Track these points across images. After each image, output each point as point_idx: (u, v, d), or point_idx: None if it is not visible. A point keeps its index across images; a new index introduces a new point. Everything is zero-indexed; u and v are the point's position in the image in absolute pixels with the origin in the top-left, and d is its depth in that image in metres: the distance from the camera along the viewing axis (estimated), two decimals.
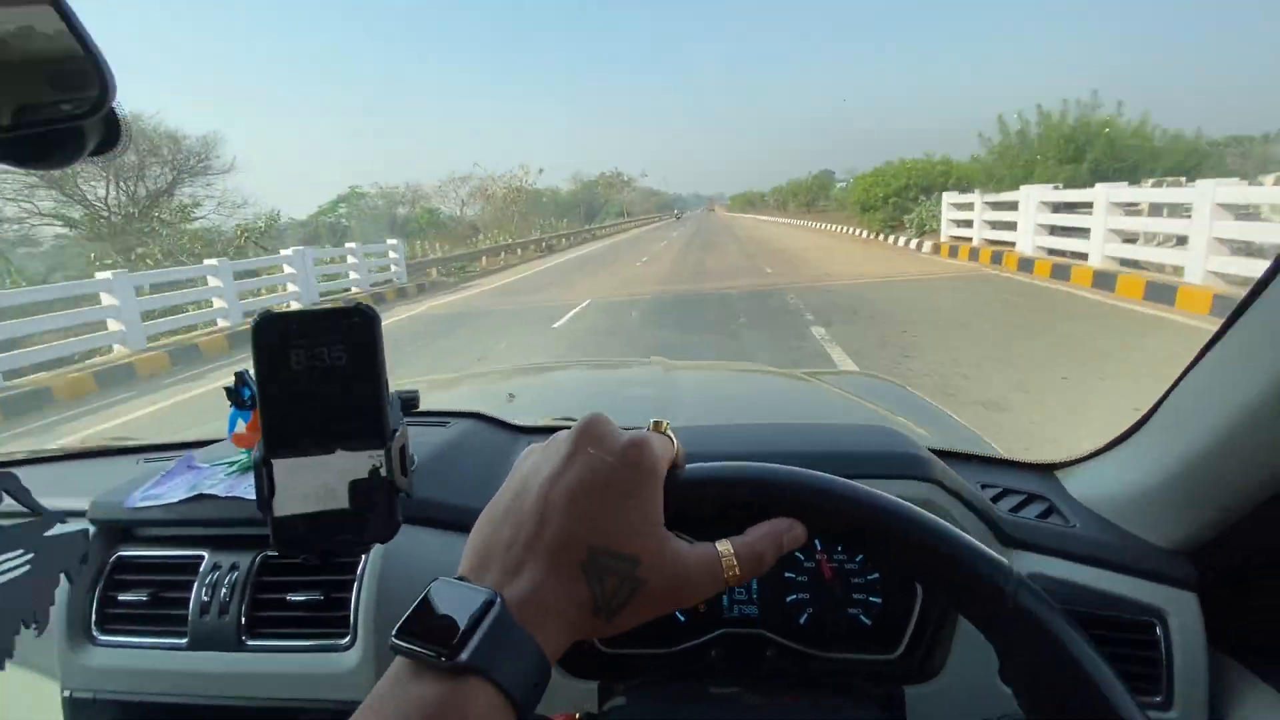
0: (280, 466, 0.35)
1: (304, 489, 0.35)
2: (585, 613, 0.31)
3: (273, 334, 0.34)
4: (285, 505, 0.35)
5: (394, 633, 0.29)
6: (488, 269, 18.87)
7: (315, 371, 0.35)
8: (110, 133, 0.37)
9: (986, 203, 12.33)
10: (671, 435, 0.37)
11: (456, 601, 0.30)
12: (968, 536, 0.34)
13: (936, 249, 13.79)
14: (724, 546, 0.34)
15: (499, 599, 0.29)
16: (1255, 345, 0.53)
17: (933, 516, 0.35)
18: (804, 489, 0.36)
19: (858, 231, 21.40)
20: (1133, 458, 0.68)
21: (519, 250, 23.44)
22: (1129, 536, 0.65)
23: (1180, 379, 0.62)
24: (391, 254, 15.07)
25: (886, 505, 0.35)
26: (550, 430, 0.91)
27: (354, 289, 13.31)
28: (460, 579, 0.31)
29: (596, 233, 40.91)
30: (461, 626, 0.28)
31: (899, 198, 18.47)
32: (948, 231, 14.19)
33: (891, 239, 17.40)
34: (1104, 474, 0.72)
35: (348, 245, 14.35)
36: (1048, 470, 0.79)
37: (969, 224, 12.97)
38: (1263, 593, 0.61)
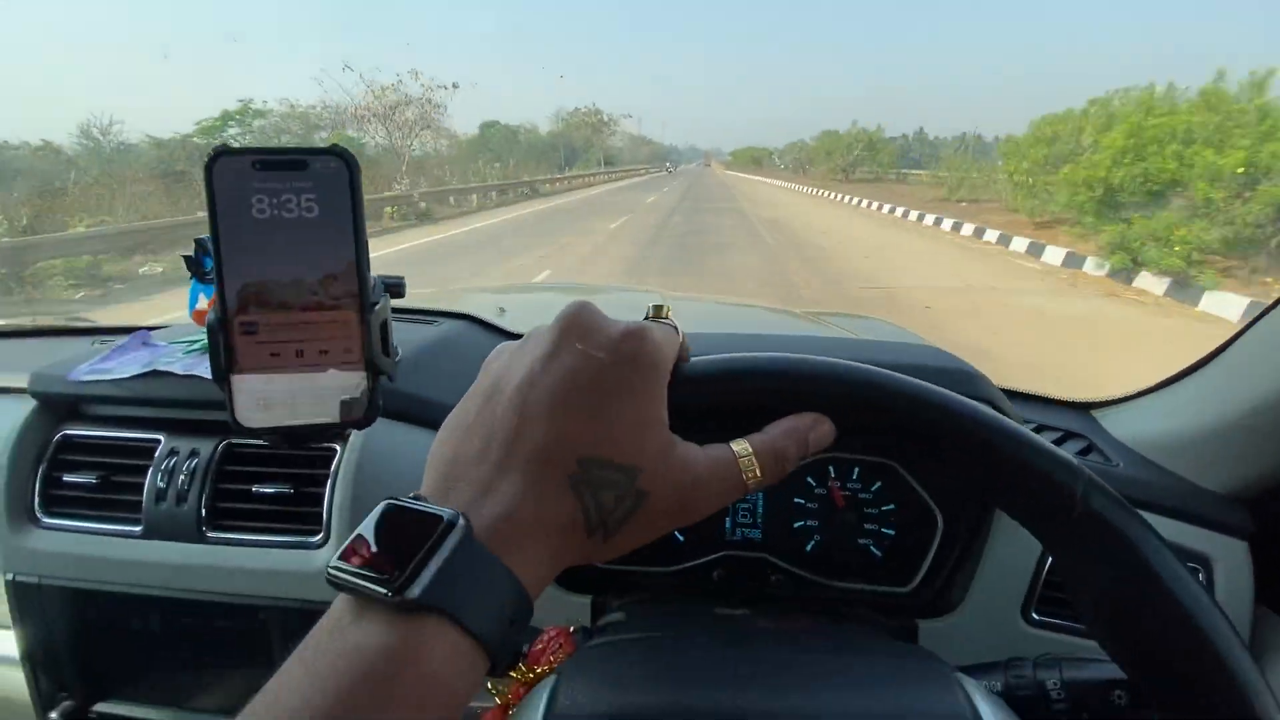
0: (240, 327, 0.30)
1: (268, 355, 0.31)
2: (576, 534, 0.26)
3: (229, 174, 0.29)
4: (247, 369, 0.30)
5: (330, 563, 0.23)
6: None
7: (282, 222, 0.30)
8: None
9: None
10: (675, 324, 0.31)
11: (411, 525, 0.24)
12: (1026, 429, 0.30)
13: None
14: (740, 446, 0.29)
15: (462, 519, 0.24)
16: None
17: (985, 407, 0.30)
18: (845, 378, 0.30)
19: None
20: (1185, 400, 0.64)
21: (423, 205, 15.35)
22: (1176, 478, 0.61)
23: (1248, 327, 0.58)
24: None
25: (938, 395, 0.30)
26: None
27: None
28: (417, 498, 0.26)
29: (544, 186, 27.99)
30: (415, 555, 0.23)
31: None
32: None
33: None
34: (1148, 415, 0.68)
35: None
36: (1084, 409, 0.75)
37: None
38: None
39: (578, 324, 0.28)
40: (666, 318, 0.31)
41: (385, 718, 0.21)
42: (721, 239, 10.49)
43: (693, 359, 0.32)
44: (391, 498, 0.25)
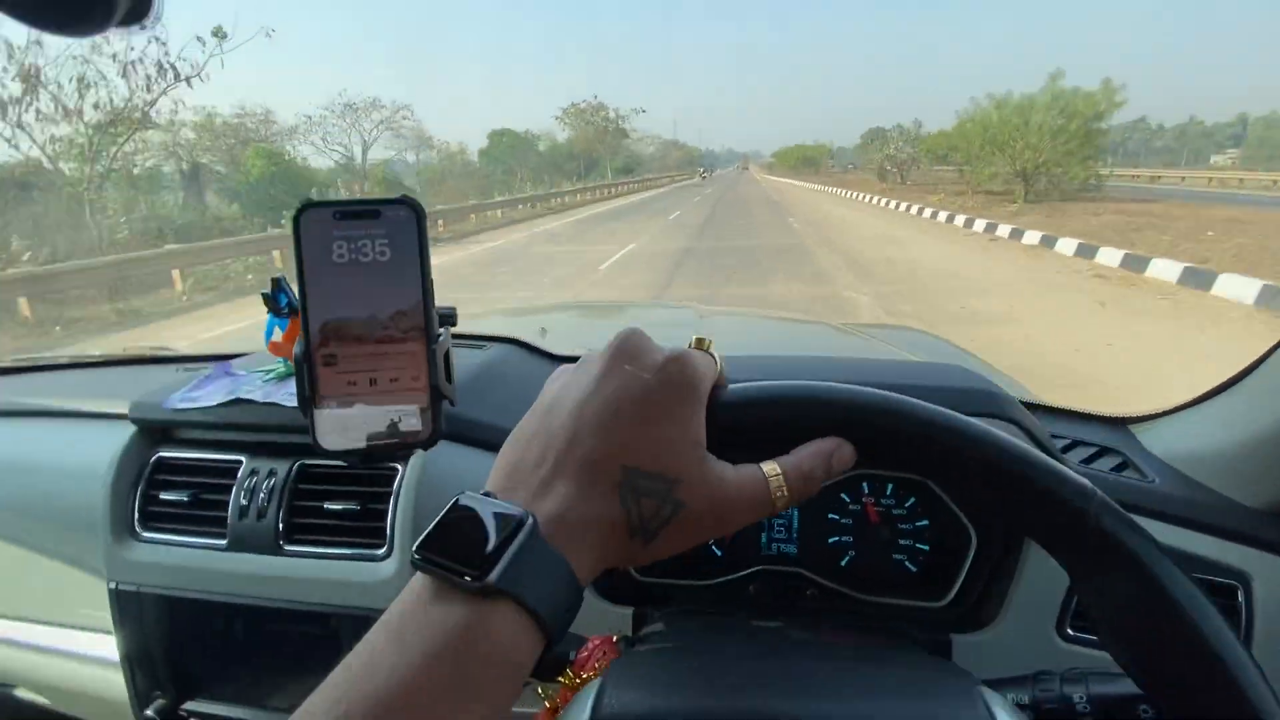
0: (323, 360, 0.33)
1: (347, 386, 0.34)
2: (620, 535, 0.29)
3: (313, 224, 0.33)
4: (328, 411, 0.34)
5: (415, 548, 0.27)
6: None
7: (358, 265, 0.33)
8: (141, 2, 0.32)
9: None
10: (715, 354, 0.34)
11: (484, 518, 0.27)
12: (1039, 452, 0.31)
13: None
14: (770, 467, 0.32)
15: (531, 517, 0.27)
16: None
17: (1000, 432, 0.32)
18: (863, 406, 0.33)
19: None
20: (1224, 415, 0.63)
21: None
22: (1214, 495, 0.61)
23: None
24: None
25: (950, 420, 0.32)
26: None
27: None
28: (487, 495, 0.29)
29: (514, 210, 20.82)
30: (491, 544, 0.26)
31: None
32: None
33: None
34: (1186, 430, 0.67)
35: None
36: (1121, 424, 0.74)
37: None
38: None
39: (628, 348, 0.32)
40: (708, 349, 0.35)
41: (463, 680, 0.24)
42: None
43: (730, 386, 0.35)
44: (462, 493, 0.29)
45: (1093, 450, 0.69)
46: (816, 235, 11.58)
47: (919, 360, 0.88)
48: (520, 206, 22.01)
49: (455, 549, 0.27)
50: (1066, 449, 0.70)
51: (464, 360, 0.86)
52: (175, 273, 8.47)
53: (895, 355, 1.10)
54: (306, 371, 0.33)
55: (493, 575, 0.25)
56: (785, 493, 0.31)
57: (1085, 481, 0.31)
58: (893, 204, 18.17)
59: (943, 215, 13.66)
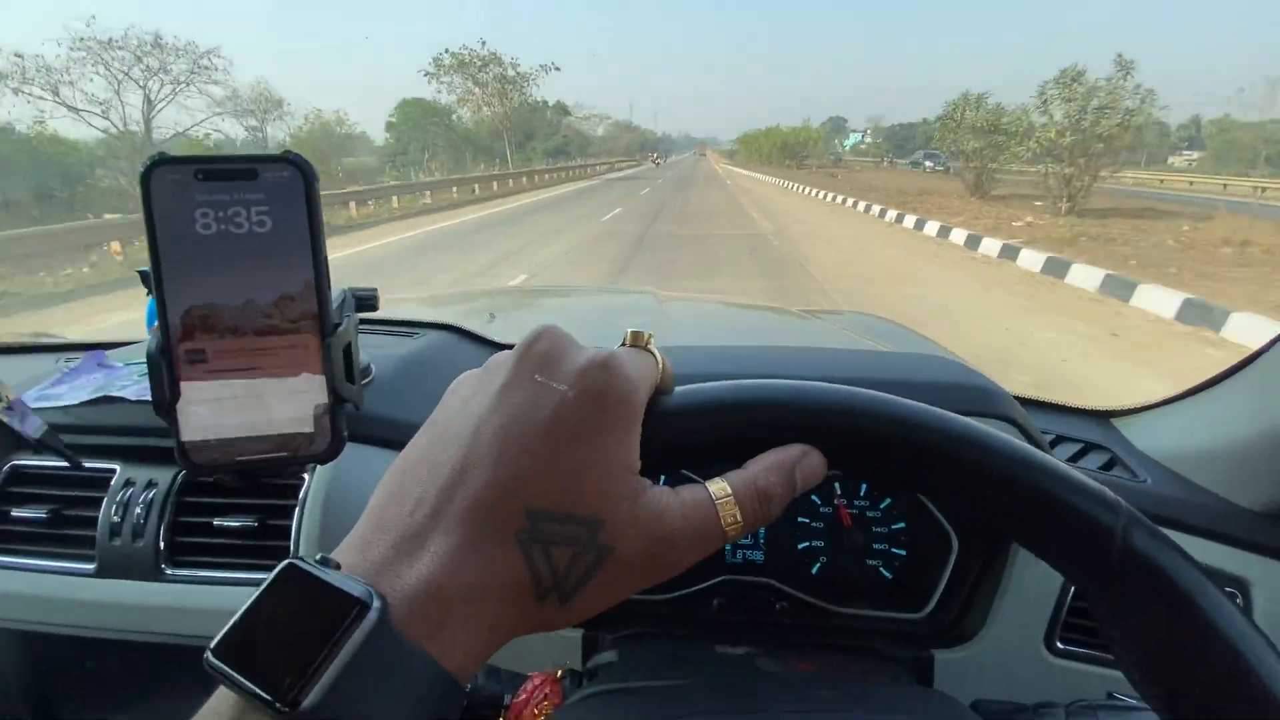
0: (185, 354, 0.28)
1: (219, 393, 0.29)
2: (523, 599, 0.23)
3: (168, 185, 0.27)
4: (194, 420, 0.28)
5: (211, 647, 0.19)
6: None
7: (229, 238, 0.28)
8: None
9: None
10: (655, 352, 0.28)
11: (310, 604, 0.20)
12: (1057, 461, 0.26)
13: None
14: (718, 486, 0.25)
15: (377, 601, 0.20)
16: None
17: (1010, 438, 0.26)
18: (837, 407, 0.27)
19: None
20: (1214, 412, 0.59)
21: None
22: (1209, 495, 0.57)
23: (1278, 339, 0.53)
24: None
25: (948, 423, 0.26)
26: None
27: None
28: (324, 560, 0.21)
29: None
30: (313, 654, 0.19)
31: None
32: None
33: None
34: (1174, 426, 0.63)
35: None
36: (1104, 417, 0.70)
37: None
38: None
39: (537, 353, 0.25)
40: (646, 345, 0.27)
41: None
42: None
43: (677, 389, 0.28)
44: (296, 558, 0.21)
45: (1079, 446, 0.65)
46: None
47: (895, 351, 0.82)
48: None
49: (263, 655, 0.19)
50: (1053, 444, 0.65)
51: (390, 349, 0.76)
52: None
53: (868, 345, 1.04)
54: (165, 371, 0.28)
55: (308, 700, 0.18)
56: (738, 519, 0.25)
57: (1106, 490, 0.25)
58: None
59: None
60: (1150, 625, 0.25)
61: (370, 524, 0.23)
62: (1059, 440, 0.66)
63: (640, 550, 0.23)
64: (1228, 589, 0.52)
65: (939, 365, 0.62)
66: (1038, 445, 0.55)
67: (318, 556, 0.21)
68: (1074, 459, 0.64)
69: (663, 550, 0.24)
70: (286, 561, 0.21)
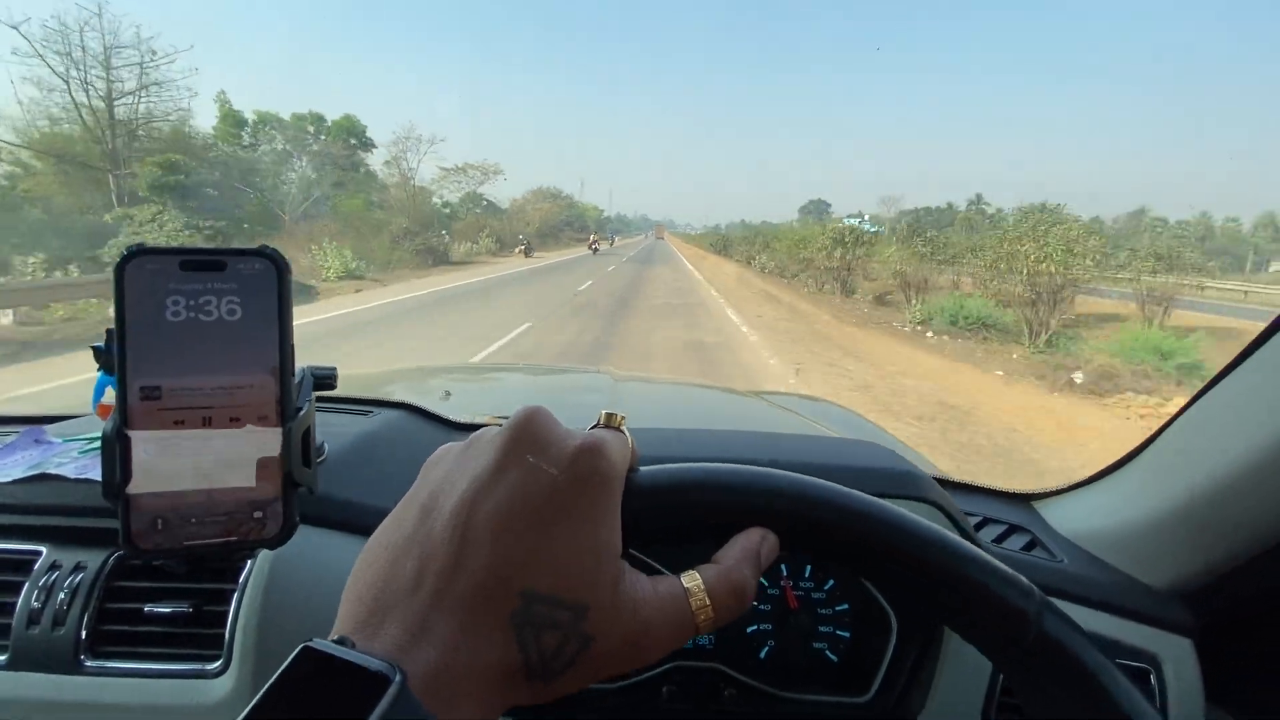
0: (141, 440, 0.28)
1: (170, 471, 0.29)
2: (514, 679, 0.23)
3: (143, 275, 0.28)
4: (144, 485, 0.28)
5: None
6: None
7: (197, 326, 0.28)
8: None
9: None
10: (627, 432, 0.29)
11: (337, 680, 0.20)
12: (979, 550, 0.29)
13: None
14: (691, 580, 0.27)
15: (399, 676, 0.20)
16: (1265, 388, 0.51)
17: (937, 527, 0.29)
18: (795, 495, 0.29)
19: None
20: (1123, 492, 0.64)
21: None
22: (1120, 575, 0.61)
23: (1177, 415, 0.59)
24: None
25: (885, 514, 0.29)
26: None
27: None
28: (341, 641, 0.22)
29: None
30: None
31: None
32: None
33: None
34: (1088, 507, 0.68)
35: None
36: (1025, 500, 0.75)
37: None
38: (1263, 643, 0.57)
39: (529, 433, 0.26)
40: (619, 426, 0.29)
41: None
42: None
43: (642, 468, 0.30)
44: (311, 640, 0.22)
45: (1003, 529, 0.69)
46: None
47: (837, 436, 0.87)
48: None
49: None
50: (978, 527, 0.69)
51: (344, 428, 0.76)
52: None
53: (812, 430, 1.09)
54: (118, 452, 0.28)
55: None
56: (710, 613, 0.26)
57: (1022, 578, 0.28)
58: None
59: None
60: (1061, 704, 0.27)
61: (366, 608, 0.23)
62: (985, 522, 0.70)
63: (618, 640, 0.24)
64: (1140, 664, 0.56)
65: (875, 453, 0.66)
66: (961, 528, 0.59)
67: (334, 637, 0.22)
68: (999, 540, 0.67)
69: (639, 641, 0.25)
70: (302, 645, 0.21)
